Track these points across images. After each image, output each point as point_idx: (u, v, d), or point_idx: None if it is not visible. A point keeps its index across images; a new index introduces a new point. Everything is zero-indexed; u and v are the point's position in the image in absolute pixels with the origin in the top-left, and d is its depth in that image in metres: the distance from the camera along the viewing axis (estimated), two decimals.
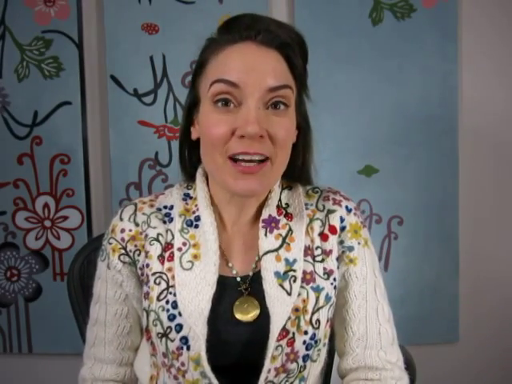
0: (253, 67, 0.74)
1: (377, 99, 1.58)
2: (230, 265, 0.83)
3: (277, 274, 0.80)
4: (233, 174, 0.76)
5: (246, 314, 0.80)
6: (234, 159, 0.75)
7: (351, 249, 0.86)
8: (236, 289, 0.82)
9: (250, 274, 0.83)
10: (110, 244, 0.85)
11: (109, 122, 1.56)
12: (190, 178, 0.89)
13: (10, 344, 1.61)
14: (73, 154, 1.57)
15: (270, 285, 0.79)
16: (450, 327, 1.64)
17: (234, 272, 0.83)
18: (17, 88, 1.55)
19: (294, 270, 0.81)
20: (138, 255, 0.84)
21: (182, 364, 0.78)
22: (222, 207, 0.85)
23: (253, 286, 0.82)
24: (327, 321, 0.82)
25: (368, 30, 1.57)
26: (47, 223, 1.59)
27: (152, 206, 0.87)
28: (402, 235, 1.62)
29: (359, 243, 0.86)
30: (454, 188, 1.61)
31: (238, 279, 0.82)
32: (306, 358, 0.80)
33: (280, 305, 0.78)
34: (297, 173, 0.87)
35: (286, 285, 0.80)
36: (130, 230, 0.84)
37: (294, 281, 0.80)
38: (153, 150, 1.57)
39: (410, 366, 0.94)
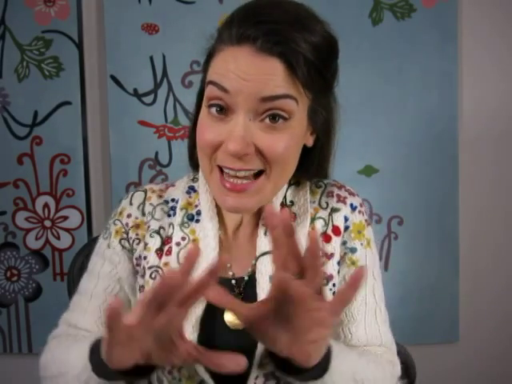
0: (246, 75, 0.68)
1: (377, 99, 1.58)
2: (228, 265, 0.80)
3: (272, 278, 0.74)
4: (222, 190, 0.72)
5: (236, 319, 0.73)
6: (221, 169, 0.72)
7: (354, 250, 0.82)
8: (230, 292, 0.76)
9: (246, 277, 0.79)
10: (115, 225, 0.84)
11: (109, 121, 1.56)
12: (195, 166, 0.85)
13: (10, 344, 1.61)
14: (73, 153, 1.57)
15: (263, 290, 0.75)
16: (450, 327, 1.64)
17: (231, 273, 0.79)
18: (17, 88, 1.55)
19: None
20: (137, 244, 0.82)
21: None
22: None
23: (247, 290, 0.78)
24: None
25: (368, 30, 1.56)
26: (47, 223, 1.59)
27: (160, 196, 0.85)
28: (402, 235, 1.61)
29: (362, 244, 0.83)
30: (454, 188, 1.61)
31: (233, 282, 0.79)
32: None
33: None
34: (310, 175, 0.83)
35: None
36: (136, 218, 0.83)
37: None
38: (153, 150, 1.57)
39: (409, 366, 0.94)
